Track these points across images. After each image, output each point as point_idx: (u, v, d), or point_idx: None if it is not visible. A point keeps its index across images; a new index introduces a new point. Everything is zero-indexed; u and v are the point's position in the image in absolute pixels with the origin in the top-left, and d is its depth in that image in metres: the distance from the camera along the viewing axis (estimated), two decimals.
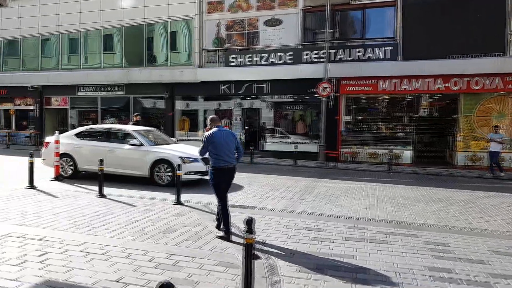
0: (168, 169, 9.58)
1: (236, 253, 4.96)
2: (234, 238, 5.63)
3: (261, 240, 5.55)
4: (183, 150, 10.07)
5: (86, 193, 8.56)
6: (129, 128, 10.36)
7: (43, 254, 4.67)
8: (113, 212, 6.83)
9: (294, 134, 18.61)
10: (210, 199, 8.22)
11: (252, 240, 3.60)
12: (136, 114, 14.97)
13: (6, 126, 23.31)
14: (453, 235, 6.08)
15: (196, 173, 9.62)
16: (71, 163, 10.30)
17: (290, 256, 5.02)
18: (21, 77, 21.87)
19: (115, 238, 5.40)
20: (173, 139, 11.56)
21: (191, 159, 9.65)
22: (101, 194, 8.05)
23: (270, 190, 9.59)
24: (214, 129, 5.78)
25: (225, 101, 19.68)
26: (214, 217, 6.22)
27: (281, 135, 18.79)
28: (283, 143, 18.41)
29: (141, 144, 9.81)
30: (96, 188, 8.43)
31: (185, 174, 9.44)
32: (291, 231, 6.07)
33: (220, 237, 5.62)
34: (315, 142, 17.91)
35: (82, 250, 4.85)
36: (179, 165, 7.86)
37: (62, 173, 10.32)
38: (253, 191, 9.47)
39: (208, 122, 5.98)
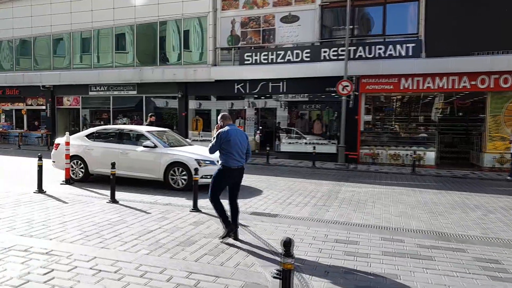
0: (184, 172, 9.05)
1: (264, 272, 4.39)
2: (256, 250, 5.05)
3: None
4: (199, 152, 9.53)
5: (97, 198, 8.07)
6: (142, 129, 9.87)
7: (48, 272, 4.15)
8: (125, 220, 6.32)
9: (310, 134, 17.98)
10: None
11: (291, 266, 3.02)
12: (151, 114, 14.44)
13: (18, 126, 23.12)
14: (504, 250, 5.42)
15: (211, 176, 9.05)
16: (81, 166, 9.85)
17: (325, 274, 4.43)
18: (33, 76, 21.63)
19: (128, 252, 4.87)
20: (188, 140, 11.05)
21: (207, 162, 9.11)
22: (113, 200, 7.55)
23: (292, 195, 8.99)
24: (228, 127, 5.51)
25: (239, 100, 19.15)
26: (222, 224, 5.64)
27: (297, 135, 18.18)
28: (300, 144, 17.78)
29: (155, 146, 9.30)
30: (107, 192, 7.94)
31: (202, 177, 8.90)
32: (322, 244, 5.47)
33: (223, 238, 5.43)
34: (333, 143, 17.27)
35: (92, 267, 4.33)
36: (196, 169, 7.29)
37: (73, 176, 9.88)
38: (273, 196, 8.89)
39: (219, 120, 5.69)
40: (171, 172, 9.14)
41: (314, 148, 15.36)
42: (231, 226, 5.49)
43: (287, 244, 3.03)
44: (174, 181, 9.15)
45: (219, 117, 5.72)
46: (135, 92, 19.84)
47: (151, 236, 5.56)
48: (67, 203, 7.39)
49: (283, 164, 15.65)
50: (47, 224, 5.94)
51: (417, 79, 15.80)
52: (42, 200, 7.57)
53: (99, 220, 6.23)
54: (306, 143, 17.63)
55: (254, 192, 9.27)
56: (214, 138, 5.56)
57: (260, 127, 18.91)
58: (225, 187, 5.62)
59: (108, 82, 19.97)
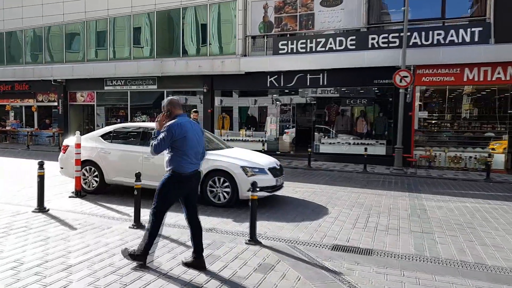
0: (226, 184, 6.97)
1: None
2: None
3: None
4: (244, 157, 7.45)
5: (117, 220, 6.05)
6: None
7: None
8: (159, 261, 4.26)
9: (353, 133, 15.76)
10: (295, 233, 5.57)
11: None
12: (194, 110, 11.88)
13: (28, 124, 21.40)
14: None
15: (262, 189, 6.95)
16: (96, 174, 7.85)
17: None
18: (43, 70, 19.83)
19: None
20: (224, 141, 8.96)
21: (256, 170, 7.02)
22: (138, 224, 5.52)
23: (368, 214, 6.83)
24: (180, 119, 4.07)
25: (271, 95, 17.01)
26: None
27: (339, 135, 15.96)
28: (341, 145, 15.55)
29: None
30: (129, 210, 5.96)
31: (249, 190, 6.82)
32: None
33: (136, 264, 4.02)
34: (381, 143, 15.01)
35: None
36: (253, 185, 5.19)
37: (85, 187, 7.90)
38: (345, 216, 6.73)
39: (165, 107, 4.19)
40: (210, 183, 7.07)
41: (365, 149, 13.12)
42: (198, 259, 4.12)
43: None
44: (214, 194, 7.08)
45: (165, 103, 4.21)
46: (155, 87, 17.88)
47: None
48: (75, 229, 5.37)
49: (327, 168, 13.47)
50: (42, 273, 3.89)
51: (484, 69, 13.46)
52: (41, 224, 5.56)
53: (119, 262, 4.18)
54: (349, 144, 15.41)
55: (317, 210, 7.13)
56: (157, 132, 4.08)
57: (293, 125, 16.76)
58: (176, 199, 4.20)
59: (125, 75, 18.04)
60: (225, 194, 7.01)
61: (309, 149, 13.74)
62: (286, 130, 16.91)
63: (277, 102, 16.81)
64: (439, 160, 14.12)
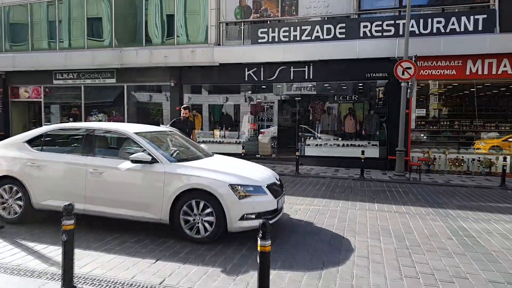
0: (207, 210, 4.88)
1: None
2: None
3: None
4: (232, 169, 5.38)
5: (42, 275, 3.84)
6: (128, 129, 5.59)
7: None
8: None
9: (341, 133, 14.04)
10: None
11: None
12: (185, 106, 9.08)
13: None
14: None
15: (260, 215, 4.92)
16: (19, 196, 5.52)
17: None
18: None
19: None
20: (204, 146, 6.83)
21: (250, 188, 4.97)
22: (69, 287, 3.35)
23: (407, 249, 4.95)
24: None
25: (247, 92, 15.00)
26: None
27: (326, 135, 14.18)
28: (330, 146, 13.76)
29: (154, 160, 5.08)
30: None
31: (241, 219, 4.80)
32: None
33: None
34: (374, 145, 13.36)
35: None
36: (268, 222, 3.16)
37: (3, 214, 5.56)
38: (377, 253, 4.81)
39: None
40: (184, 208, 4.95)
41: (362, 153, 11.34)
42: None
43: None
44: (191, 225, 4.96)
45: None
46: (113, 81, 15.40)
47: None
48: None
49: (317, 174, 11.61)
50: None
51: (488, 61, 12.06)
52: None
53: None
54: (338, 145, 13.64)
55: (336, 242, 5.18)
56: None
57: (269, 124, 14.84)
58: None
59: (78, 67, 15.41)
60: (206, 224, 4.91)
61: (297, 153, 11.81)
62: (262, 130, 14.97)
63: (258, 100, 14.82)
64: (439, 163, 12.62)
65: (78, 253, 4.38)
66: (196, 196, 4.92)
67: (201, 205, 4.90)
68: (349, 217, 6.49)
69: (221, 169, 5.21)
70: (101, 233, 5.23)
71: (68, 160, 5.42)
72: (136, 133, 5.41)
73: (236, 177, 5.05)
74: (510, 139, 12.72)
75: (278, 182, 5.59)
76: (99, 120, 15.78)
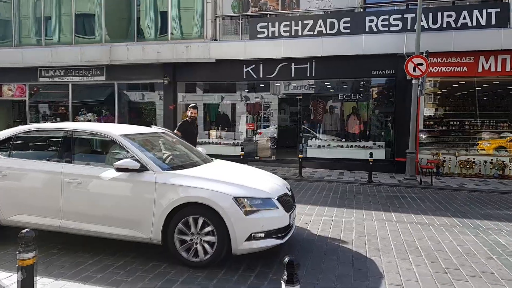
0: (207, 228, 4.06)
1: None
2: None
3: None
4: (236, 178, 4.58)
5: None
6: (113, 130, 4.75)
7: None
8: None
9: (343, 134, 13.30)
10: None
11: None
12: (193, 104, 7.91)
13: None
14: None
15: (269, 234, 4.12)
16: None
17: None
18: None
19: None
20: (201, 149, 5.98)
21: (258, 201, 4.17)
22: None
23: (445, 272, 4.19)
24: None
25: (243, 90, 14.21)
26: None
27: (329, 136, 13.43)
28: (333, 148, 12.99)
29: (143, 168, 4.25)
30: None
31: (248, 239, 3.99)
32: None
33: None
34: (380, 146, 12.62)
35: None
36: (296, 261, 2.33)
37: None
38: (411, 279, 4.02)
39: None
40: (180, 226, 4.13)
41: (371, 155, 10.57)
42: None
43: None
44: (187, 246, 4.14)
45: None
46: (103, 78, 14.49)
47: None
48: None
49: (321, 178, 10.83)
50: None
51: (502, 58, 11.39)
52: None
53: None
54: (342, 147, 12.88)
55: (359, 264, 4.41)
56: None
57: (267, 124, 14.08)
58: None
59: (65, 64, 14.48)
60: (206, 246, 4.09)
61: (300, 155, 11.02)
62: (259, 131, 14.17)
63: (256, 99, 14.02)
64: (449, 165, 11.90)
65: (48, 283, 3.55)
66: (193, 212, 4.10)
67: (200, 222, 4.08)
68: (367, 230, 5.70)
69: (223, 179, 4.39)
70: (79, 255, 4.40)
71: (41, 167, 4.57)
72: (122, 136, 4.57)
73: (242, 188, 4.23)
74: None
75: (290, 193, 4.79)
76: (88, 120, 14.88)
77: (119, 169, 4.20)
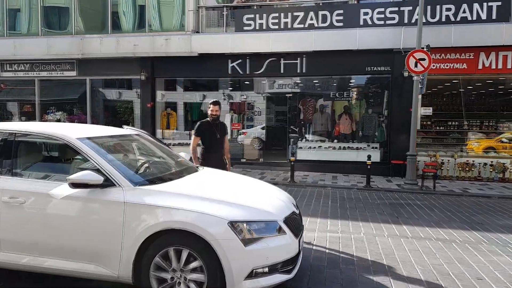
0: (195, 263, 3.05)
1: None
2: None
3: None
4: (230, 195, 3.57)
5: None
6: (69, 132, 3.61)
7: None
8: None
9: (334, 135, 12.48)
10: None
11: None
12: (214, 100, 5.68)
13: None
14: None
15: (273, 268, 3.14)
16: None
17: None
18: None
19: None
20: (184, 154, 4.89)
21: (261, 226, 3.22)
22: None
23: None
24: None
25: (232, 86, 13.23)
26: None
27: (319, 137, 12.59)
28: (325, 149, 12.14)
29: (109, 182, 3.22)
30: None
31: (249, 276, 3.00)
32: None
33: None
34: (374, 147, 11.85)
35: None
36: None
37: None
38: None
39: None
40: (158, 260, 3.10)
41: (369, 158, 9.73)
42: None
43: None
44: (168, 286, 3.11)
45: None
46: (74, 73, 13.23)
47: None
48: None
49: (314, 182, 9.96)
50: None
51: (503, 54, 10.78)
52: None
53: None
54: (334, 148, 12.04)
55: None
56: None
57: (252, 125, 13.18)
58: None
59: (31, 57, 13.14)
60: (193, 286, 3.08)
61: (292, 157, 10.11)
62: (243, 131, 13.24)
63: (243, 97, 13.05)
64: (447, 168, 11.21)
65: None
66: (175, 241, 3.10)
67: (184, 255, 3.08)
68: (382, 249, 4.81)
69: (214, 196, 3.40)
70: None
71: None
72: (81, 139, 3.50)
73: (239, 208, 3.24)
74: (504, 140, 11.54)
75: (297, 211, 3.84)
76: (57, 120, 13.58)
77: (75, 185, 3.15)
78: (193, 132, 5.59)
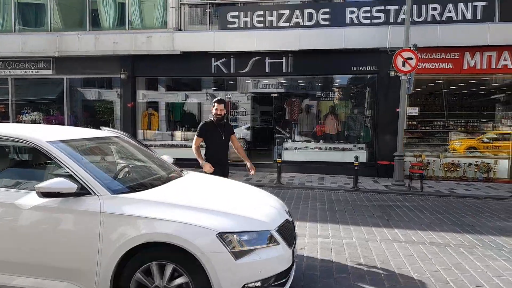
0: (180, 279, 2.77)
1: None
2: None
3: None
4: (219, 203, 3.29)
5: None
6: (40, 135, 3.23)
7: None
8: None
9: (319, 135, 12.32)
10: None
11: None
12: (218, 99, 5.37)
13: None
14: None
15: (266, 282, 2.88)
16: None
17: None
18: None
19: None
20: (167, 158, 4.59)
21: (252, 237, 2.94)
22: None
23: None
24: None
25: (216, 86, 12.93)
26: None
27: (305, 137, 12.41)
28: (311, 150, 11.97)
29: (84, 190, 2.90)
30: None
31: None
32: None
33: None
34: (360, 148, 11.74)
35: None
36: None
37: None
38: None
39: None
40: (139, 276, 2.80)
41: (356, 158, 9.56)
42: None
43: None
44: None
45: None
46: (50, 72, 12.66)
47: None
48: None
49: (301, 184, 9.75)
50: None
51: (488, 54, 10.81)
52: None
53: None
54: (320, 149, 11.88)
55: None
56: None
57: (236, 126, 12.91)
58: None
59: (3, 54, 12.54)
60: None
61: (279, 159, 9.87)
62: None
63: (227, 97, 12.76)
64: (433, 168, 11.18)
65: None
66: (158, 255, 2.81)
67: (169, 270, 2.79)
68: (376, 255, 4.61)
69: (201, 204, 3.12)
70: None
71: None
72: (52, 142, 3.16)
73: (228, 217, 2.97)
74: (484, 139, 11.60)
75: (290, 218, 3.59)
76: (33, 120, 13.02)
77: (45, 194, 2.82)
78: (196, 133, 5.21)
